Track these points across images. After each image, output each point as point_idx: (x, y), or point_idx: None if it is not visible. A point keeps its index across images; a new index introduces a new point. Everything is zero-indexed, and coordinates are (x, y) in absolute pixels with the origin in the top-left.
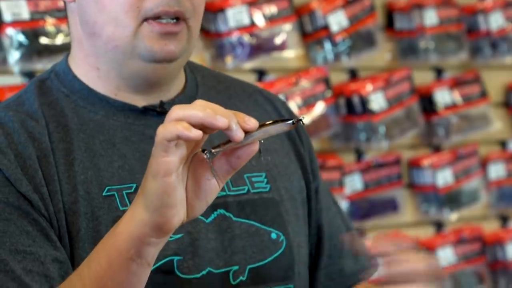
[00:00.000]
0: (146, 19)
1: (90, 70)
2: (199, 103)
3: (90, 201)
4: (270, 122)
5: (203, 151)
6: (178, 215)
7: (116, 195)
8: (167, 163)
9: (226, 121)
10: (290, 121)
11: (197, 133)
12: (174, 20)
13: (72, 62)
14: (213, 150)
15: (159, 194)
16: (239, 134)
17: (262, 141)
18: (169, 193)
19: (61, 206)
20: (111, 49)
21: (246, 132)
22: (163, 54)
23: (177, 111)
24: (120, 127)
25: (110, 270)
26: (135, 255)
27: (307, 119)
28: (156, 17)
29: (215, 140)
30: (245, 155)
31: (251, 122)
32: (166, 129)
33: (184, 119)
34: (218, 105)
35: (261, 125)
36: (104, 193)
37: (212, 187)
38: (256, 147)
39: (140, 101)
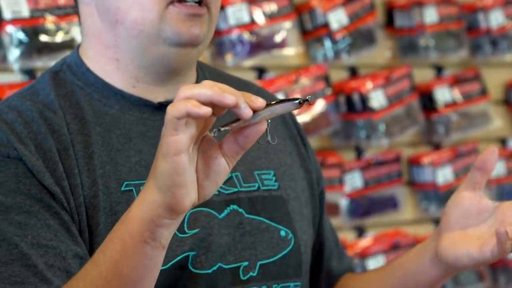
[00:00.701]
0: (171, 2)
1: (108, 63)
2: (207, 83)
3: (109, 195)
4: (277, 101)
5: (211, 129)
6: (189, 196)
7: (134, 190)
8: (177, 142)
9: (234, 99)
10: (297, 101)
11: (206, 110)
12: (197, 4)
13: (84, 56)
14: (221, 128)
15: (170, 174)
16: (247, 112)
17: (269, 121)
18: (179, 172)
19: (82, 200)
20: (136, 35)
21: (254, 111)
22: (189, 37)
23: (186, 90)
24: (136, 122)
25: (125, 255)
26: (149, 238)
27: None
28: (181, 0)
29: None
30: (252, 134)
31: (258, 101)
32: (176, 107)
33: (193, 98)
34: (225, 85)
35: (268, 105)
36: (122, 188)
37: (222, 168)
38: (263, 126)
39: (157, 93)
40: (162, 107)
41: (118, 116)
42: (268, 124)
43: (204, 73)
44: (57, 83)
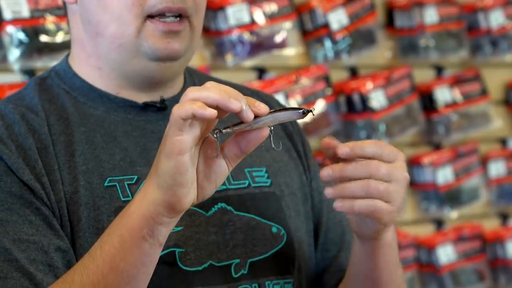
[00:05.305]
0: (149, 16)
1: (91, 70)
2: (212, 85)
3: (91, 191)
4: (280, 108)
5: (213, 131)
6: (189, 195)
7: (117, 185)
8: (181, 142)
9: (239, 105)
10: (301, 111)
11: (212, 112)
12: (177, 19)
13: (72, 62)
14: (223, 130)
15: (172, 173)
16: (249, 115)
17: (272, 127)
18: (182, 171)
19: (62, 195)
20: (115, 48)
21: (256, 116)
22: (167, 52)
23: (193, 91)
24: (121, 122)
25: (122, 250)
26: (148, 235)
27: (310, 116)
28: (159, 14)
29: (222, 124)
30: (254, 139)
31: (261, 107)
32: (182, 108)
33: (200, 99)
34: (229, 87)
35: (271, 111)
36: (105, 184)
37: (222, 170)
38: (265, 132)
39: (141, 99)
40: (147, 107)
41: (103, 117)
42: (271, 131)
43: (194, 79)
44: (43, 88)
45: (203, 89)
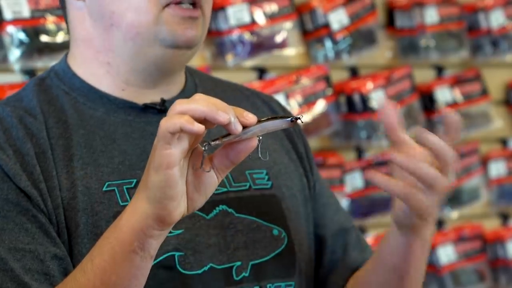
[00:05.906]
0: (167, 5)
1: (98, 68)
2: (200, 97)
3: (89, 196)
4: (269, 117)
5: (202, 143)
6: (180, 208)
7: (116, 190)
8: (169, 156)
9: (227, 117)
10: (289, 119)
11: (199, 127)
12: (191, 6)
13: (72, 62)
14: (212, 143)
15: (161, 187)
16: (237, 127)
17: (260, 137)
18: (171, 185)
19: (60, 201)
20: (132, 38)
21: (245, 127)
22: (185, 39)
23: (181, 104)
24: (121, 124)
25: (113, 263)
26: (138, 248)
27: (307, 117)
28: (176, 3)
29: (211, 134)
30: (244, 149)
31: (249, 117)
32: (170, 122)
33: (188, 113)
34: (218, 99)
35: (260, 121)
36: (104, 188)
37: (211, 181)
38: (254, 142)
39: (145, 96)
40: (147, 109)
41: (103, 118)
42: (259, 141)
43: (194, 79)
44: (42, 89)
45: (191, 102)
